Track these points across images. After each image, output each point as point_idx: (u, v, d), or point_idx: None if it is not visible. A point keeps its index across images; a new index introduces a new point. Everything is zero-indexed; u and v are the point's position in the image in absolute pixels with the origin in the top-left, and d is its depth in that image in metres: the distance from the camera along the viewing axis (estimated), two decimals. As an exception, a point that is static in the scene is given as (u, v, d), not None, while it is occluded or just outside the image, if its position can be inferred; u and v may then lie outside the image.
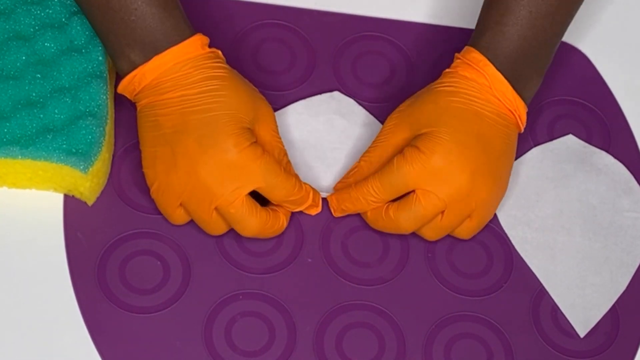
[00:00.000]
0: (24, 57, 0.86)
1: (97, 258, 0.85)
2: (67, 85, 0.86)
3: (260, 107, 0.85)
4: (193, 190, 0.82)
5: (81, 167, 0.83)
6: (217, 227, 0.84)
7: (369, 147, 0.88)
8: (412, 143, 0.85)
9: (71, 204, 0.86)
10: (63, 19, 0.88)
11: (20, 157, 0.83)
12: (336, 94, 0.94)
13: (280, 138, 0.87)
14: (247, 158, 0.82)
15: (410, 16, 0.98)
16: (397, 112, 0.88)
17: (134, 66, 0.83)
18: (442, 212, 0.84)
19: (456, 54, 0.88)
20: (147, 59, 0.82)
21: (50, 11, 0.88)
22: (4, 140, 0.83)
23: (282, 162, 0.86)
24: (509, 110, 0.86)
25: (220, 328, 0.84)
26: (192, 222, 0.86)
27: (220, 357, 0.83)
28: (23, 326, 0.82)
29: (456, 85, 0.86)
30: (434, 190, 0.83)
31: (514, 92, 0.86)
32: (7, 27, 0.87)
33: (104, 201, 0.87)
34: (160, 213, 0.86)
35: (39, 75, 0.86)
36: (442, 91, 0.86)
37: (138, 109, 0.85)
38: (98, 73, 0.86)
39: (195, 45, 0.83)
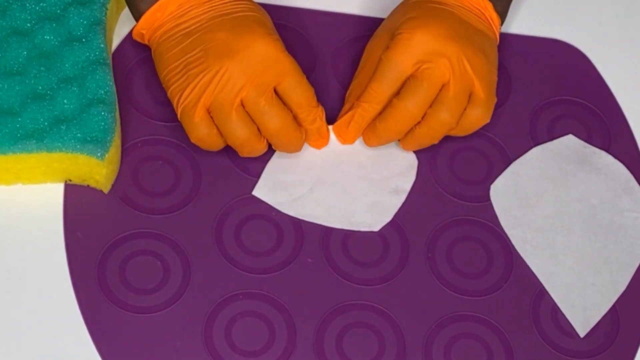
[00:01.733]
0: (25, 52, 0.87)
1: (97, 258, 0.85)
2: (72, 75, 0.86)
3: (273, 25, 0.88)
4: (226, 81, 0.82)
5: (98, 155, 0.83)
6: (239, 128, 0.84)
7: (355, 74, 0.90)
8: (393, 37, 0.87)
9: (71, 203, 0.86)
10: (58, 11, 0.89)
11: (36, 150, 0.83)
12: None
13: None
14: (277, 49, 0.84)
15: (410, 16, 0.98)
16: (374, 33, 0.91)
17: None
18: (446, 85, 0.85)
19: None
20: None
21: (45, 4, 0.89)
22: (18, 135, 0.83)
23: None
24: (484, 17, 0.89)
25: (220, 328, 0.84)
26: (191, 222, 0.86)
27: (220, 357, 0.83)
28: (23, 326, 0.82)
29: None
30: (428, 65, 0.84)
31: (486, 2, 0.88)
32: (4, 24, 0.88)
33: (104, 201, 0.87)
34: (160, 213, 0.87)
35: (43, 69, 0.86)
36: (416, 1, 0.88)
37: (158, 37, 0.86)
38: (101, 60, 0.87)
39: None
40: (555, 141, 0.95)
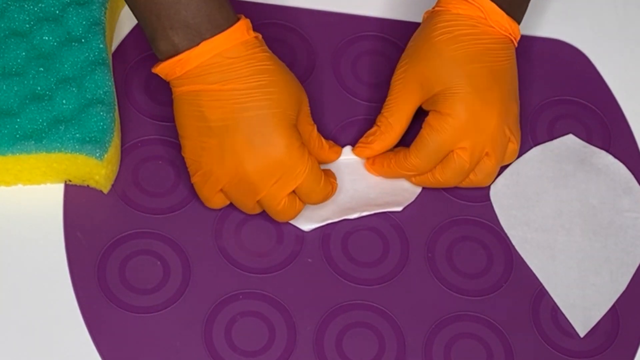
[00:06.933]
0: (24, 53, 0.87)
1: (97, 258, 0.85)
2: (71, 76, 0.86)
3: (301, 97, 0.86)
4: (239, 183, 0.83)
5: (97, 155, 0.83)
6: (254, 211, 0.86)
7: (384, 111, 0.89)
8: (433, 108, 0.87)
9: (71, 203, 0.86)
10: (57, 12, 0.89)
11: (35, 151, 0.83)
12: None
13: (312, 120, 0.88)
14: (295, 158, 0.83)
15: (409, 16, 0.98)
16: (402, 72, 0.89)
17: (177, 49, 0.81)
18: (487, 155, 0.88)
19: None
20: (193, 42, 0.81)
21: (43, 5, 0.89)
22: (17, 136, 0.83)
23: (318, 143, 0.88)
24: (505, 34, 0.88)
25: (220, 328, 0.84)
26: (191, 222, 0.86)
27: (220, 357, 0.83)
28: (23, 326, 0.82)
29: (452, 29, 0.87)
30: (472, 144, 0.86)
31: (509, 18, 0.88)
32: (3, 25, 0.88)
33: (104, 201, 0.87)
34: (160, 213, 0.87)
35: (41, 69, 0.86)
36: (441, 41, 0.87)
37: (177, 93, 0.83)
38: (100, 60, 0.87)
39: (242, 30, 0.83)
40: (555, 141, 0.95)
